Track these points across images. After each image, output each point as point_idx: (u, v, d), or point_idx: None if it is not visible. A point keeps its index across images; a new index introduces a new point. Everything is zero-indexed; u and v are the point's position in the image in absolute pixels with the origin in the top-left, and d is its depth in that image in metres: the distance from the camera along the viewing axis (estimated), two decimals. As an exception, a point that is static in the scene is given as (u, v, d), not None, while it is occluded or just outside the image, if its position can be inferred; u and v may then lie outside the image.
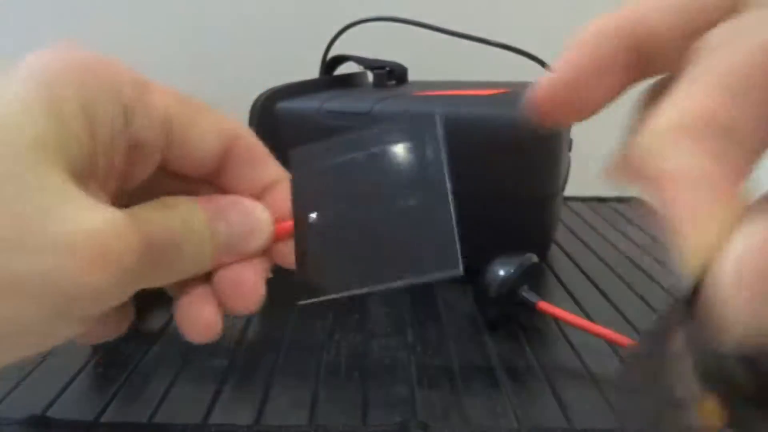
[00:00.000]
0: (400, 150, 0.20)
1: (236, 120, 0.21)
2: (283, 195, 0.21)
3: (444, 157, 0.18)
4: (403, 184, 0.19)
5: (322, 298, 0.19)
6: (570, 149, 0.47)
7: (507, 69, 0.48)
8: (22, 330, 0.16)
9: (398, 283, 0.18)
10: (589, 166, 0.59)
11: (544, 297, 0.34)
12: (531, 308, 0.34)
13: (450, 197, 0.18)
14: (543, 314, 0.35)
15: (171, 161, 0.20)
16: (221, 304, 0.20)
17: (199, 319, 0.20)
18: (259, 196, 0.21)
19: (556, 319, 0.36)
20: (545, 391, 0.29)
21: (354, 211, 0.19)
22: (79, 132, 0.16)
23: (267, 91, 0.45)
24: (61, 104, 0.16)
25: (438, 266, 0.17)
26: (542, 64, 0.43)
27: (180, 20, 0.67)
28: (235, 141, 0.21)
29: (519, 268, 0.35)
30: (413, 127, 0.20)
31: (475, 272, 0.36)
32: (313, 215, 0.20)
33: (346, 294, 0.19)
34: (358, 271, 0.19)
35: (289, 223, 0.20)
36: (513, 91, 0.44)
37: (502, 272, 0.35)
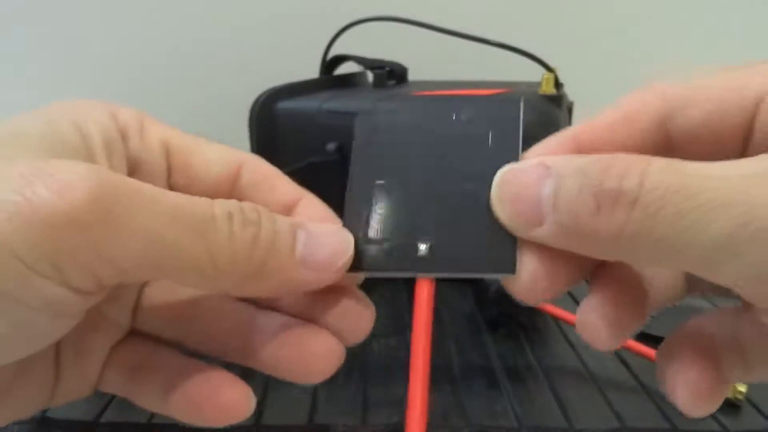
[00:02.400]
0: (475, 130, 0.18)
1: (240, 150, 0.21)
2: (312, 211, 0.20)
3: (520, 145, 0.18)
4: (473, 166, 0.18)
5: (371, 274, 0.18)
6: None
7: (507, 69, 0.48)
8: None
9: (451, 275, 0.17)
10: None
11: (544, 297, 0.34)
12: (531, 308, 0.34)
13: None
14: (543, 314, 0.35)
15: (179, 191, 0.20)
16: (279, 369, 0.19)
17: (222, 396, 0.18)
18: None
19: (556, 319, 0.36)
20: (545, 391, 0.29)
21: (419, 186, 0.18)
22: (67, 135, 0.17)
23: (267, 91, 0.45)
24: (49, 115, 0.17)
25: (493, 266, 0.17)
26: (542, 64, 0.43)
27: (180, 20, 0.67)
28: (242, 166, 0.20)
29: (519, 268, 0.35)
30: (492, 109, 0.19)
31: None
32: (377, 182, 0.19)
33: (393, 274, 0.18)
34: (412, 253, 0.18)
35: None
36: (513, 91, 0.44)
37: (502, 272, 0.35)
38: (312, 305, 0.19)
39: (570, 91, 0.48)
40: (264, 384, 0.30)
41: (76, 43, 0.67)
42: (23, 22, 0.67)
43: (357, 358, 0.33)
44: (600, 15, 0.67)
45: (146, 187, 0.15)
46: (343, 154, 0.41)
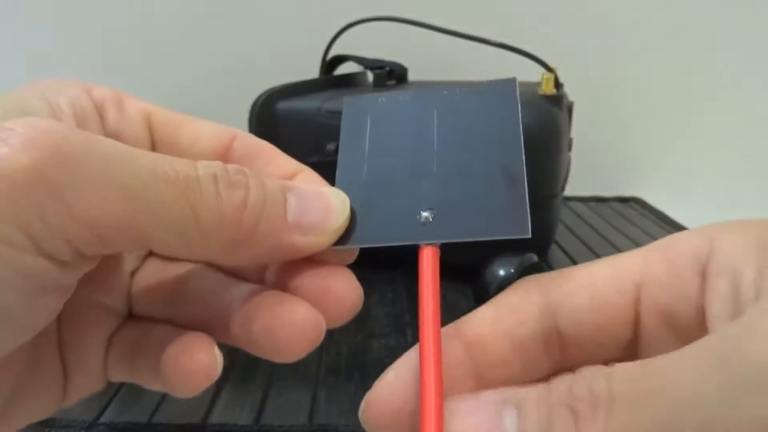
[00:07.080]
0: (470, 108, 0.18)
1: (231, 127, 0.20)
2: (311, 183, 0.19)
3: (519, 118, 0.18)
4: (473, 141, 0.18)
5: (369, 245, 0.17)
6: (570, 149, 0.47)
7: (507, 69, 0.48)
8: None
9: (458, 239, 0.16)
10: (589, 166, 0.59)
11: (544, 297, 0.34)
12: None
13: (523, 157, 0.17)
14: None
15: None
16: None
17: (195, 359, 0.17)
18: None
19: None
20: (545, 391, 0.29)
21: (414, 157, 0.18)
22: (34, 106, 0.16)
23: (267, 91, 0.45)
24: (16, 92, 0.17)
25: (507, 227, 0.16)
26: (542, 64, 0.43)
27: (180, 20, 0.67)
28: (234, 141, 0.19)
29: (519, 268, 0.35)
30: (486, 90, 0.19)
31: (475, 272, 0.36)
32: (369, 156, 0.19)
33: (393, 244, 0.17)
34: (413, 221, 0.17)
35: None
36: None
37: (502, 272, 0.35)
38: (295, 280, 0.18)
39: (570, 91, 0.48)
40: (264, 384, 0.31)
41: (75, 42, 0.67)
42: (20, 21, 0.67)
43: (357, 358, 0.33)
44: (600, 15, 0.67)
45: (120, 145, 0.14)
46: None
